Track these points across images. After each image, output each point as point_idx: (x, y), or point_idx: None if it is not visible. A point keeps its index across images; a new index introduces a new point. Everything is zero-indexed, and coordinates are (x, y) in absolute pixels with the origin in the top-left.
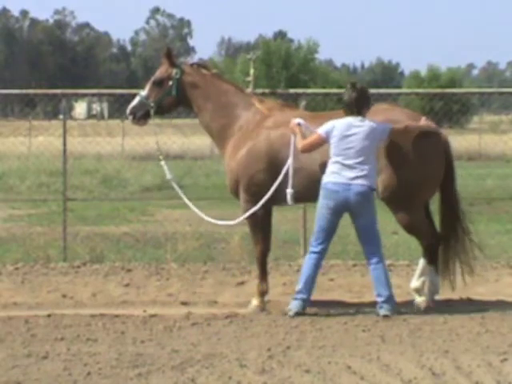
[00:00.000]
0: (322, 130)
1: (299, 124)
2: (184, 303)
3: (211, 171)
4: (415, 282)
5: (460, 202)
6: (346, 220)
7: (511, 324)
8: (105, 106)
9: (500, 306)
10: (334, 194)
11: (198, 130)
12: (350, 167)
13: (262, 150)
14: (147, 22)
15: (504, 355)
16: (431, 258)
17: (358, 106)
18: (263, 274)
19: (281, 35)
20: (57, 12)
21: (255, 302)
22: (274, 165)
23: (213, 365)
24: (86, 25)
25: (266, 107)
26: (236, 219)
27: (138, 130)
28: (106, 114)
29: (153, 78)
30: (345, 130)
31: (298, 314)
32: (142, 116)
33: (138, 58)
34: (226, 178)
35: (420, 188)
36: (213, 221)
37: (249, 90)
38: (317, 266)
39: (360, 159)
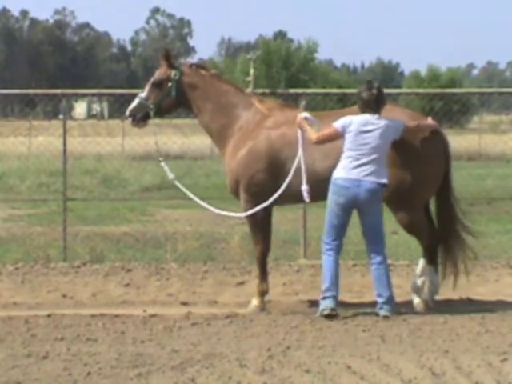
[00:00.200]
0: (338, 124)
1: (306, 118)
2: (184, 303)
3: (211, 171)
4: (415, 283)
5: (458, 202)
6: None
7: (511, 324)
8: (105, 105)
9: (500, 305)
10: (344, 190)
11: (198, 130)
12: (362, 163)
13: (262, 150)
14: (147, 22)
15: (504, 355)
16: (431, 257)
17: (377, 103)
18: (263, 274)
19: (281, 35)
20: (57, 12)
21: (255, 301)
22: (274, 165)
23: (213, 365)
24: (86, 25)
25: (266, 107)
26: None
27: (137, 130)
28: (106, 113)
29: (152, 80)
30: (362, 126)
31: (333, 310)
32: (141, 118)
33: (138, 58)
34: (226, 178)
35: (420, 188)
36: (222, 212)
37: (249, 90)
38: (336, 262)
39: (374, 156)
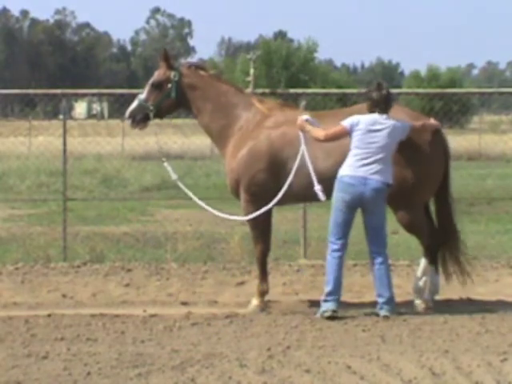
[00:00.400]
0: (346, 123)
1: (307, 120)
2: (184, 303)
3: (211, 171)
4: (417, 283)
5: (454, 202)
6: None
7: (511, 324)
8: (105, 105)
9: (500, 305)
10: (350, 188)
11: (198, 129)
12: (369, 162)
13: (262, 150)
14: (147, 22)
15: (504, 355)
16: (432, 257)
17: (386, 104)
18: (263, 274)
19: (281, 35)
20: (57, 12)
21: (255, 301)
22: (275, 164)
23: (213, 365)
24: (87, 25)
25: (266, 107)
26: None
27: (138, 130)
28: (106, 113)
29: (151, 81)
30: (370, 125)
31: (334, 312)
32: (141, 119)
33: (138, 57)
34: (226, 178)
35: (420, 187)
36: (224, 215)
37: (249, 90)
38: (341, 265)
39: (381, 155)
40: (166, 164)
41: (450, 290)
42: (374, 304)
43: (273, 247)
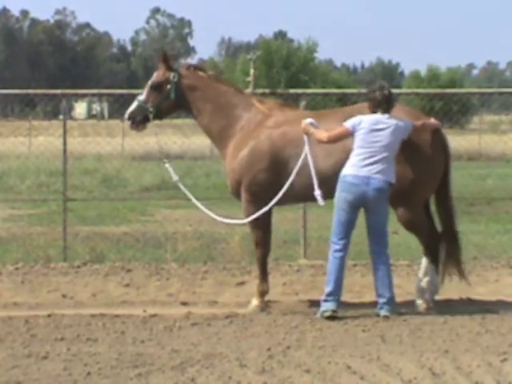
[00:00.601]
0: (348, 124)
1: (311, 124)
2: (184, 303)
3: (211, 171)
4: (420, 284)
5: (454, 201)
6: None
7: (511, 324)
8: (105, 106)
9: (500, 305)
10: (353, 188)
11: (198, 130)
12: (372, 161)
13: (264, 149)
14: (147, 22)
15: (504, 355)
16: (432, 257)
17: (388, 104)
18: (263, 274)
19: (281, 35)
20: (57, 12)
21: (255, 301)
22: (276, 163)
23: (213, 365)
24: (87, 25)
25: (266, 107)
26: (237, 218)
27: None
28: (106, 114)
29: (150, 83)
30: (373, 125)
31: (334, 311)
32: (140, 121)
33: (138, 57)
34: (226, 178)
35: (420, 186)
36: (224, 220)
37: (249, 90)
38: (342, 266)
39: (384, 154)
40: (167, 165)
41: (450, 290)
42: (374, 304)
43: (273, 247)
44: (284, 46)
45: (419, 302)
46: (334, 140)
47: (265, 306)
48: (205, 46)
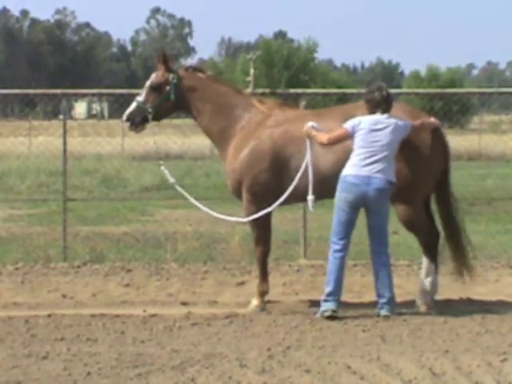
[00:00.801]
0: (347, 125)
1: (313, 127)
2: (184, 303)
3: (211, 171)
4: (423, 285)
5: (456, 201)
6: None
7: (511, 324)
8: (105, 105)
9: (500, 305)
10: (353, 188)
11: (198, 129)
12: (373, 161)
13: (265, 149)
14: (147, 22)
15: (504, 355)
16: (432, 256)
17: (387, 104)
18: (264, 274)
19: (281, 35)
20: (57, 12)
21: (255, 301)
22: (278, 162)
23: (213, 365)
24: (87, 25)
25: (266, 107)
26: (238, 217)
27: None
28: (106, 113)
29: (149, 84)
30: (372, 125)
31: (334, 311)
32: (139, 122)
33: (138, 57)
34: (227, 178)
35: (419, 184)
36: (226, 217)
37: (249, 90)
38: (342, 266)
39: (384, 153)
40: (163, 168)
41: (450, 290)
42: (374, 304)
43: (273, 247)
44: (284, 46)
45: (420, 302)
46: (334, 142)
47: (265, 306)
48: (205, 46)
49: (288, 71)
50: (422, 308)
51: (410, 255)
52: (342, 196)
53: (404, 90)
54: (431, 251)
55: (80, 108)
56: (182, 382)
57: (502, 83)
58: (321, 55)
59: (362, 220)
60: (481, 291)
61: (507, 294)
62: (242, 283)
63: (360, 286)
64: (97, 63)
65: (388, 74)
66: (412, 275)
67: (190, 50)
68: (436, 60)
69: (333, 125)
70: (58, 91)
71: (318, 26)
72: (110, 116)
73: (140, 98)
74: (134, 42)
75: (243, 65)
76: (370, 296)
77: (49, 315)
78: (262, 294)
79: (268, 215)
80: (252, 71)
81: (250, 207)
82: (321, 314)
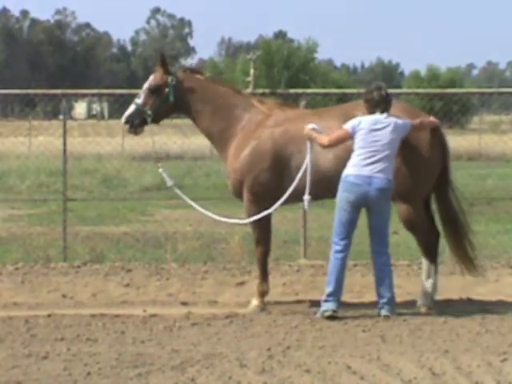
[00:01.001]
0: (347, 126)
1: (314, 129)
2: (184, 303)
3: (211, 171)
4: (425, 286)
5: (458, 201)
6: None
7: (511, 324)
8: (105, 105)
9: (500, 305)
10: (354, 188)
11: (198, 130)
12: (374, 161)
13: (266, 148)
14: (148, 22)
15: (504, 355)
16: (432, 256)
17: (387, 103)
18: (264, 275)
19: (281, 35)
20: (57, 12)
21: (255, 302)
22: (278, 161)
23: (213, 365)
24: (87, 25)
25: (265, 107)
26: (238, 218)
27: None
28: (106, 113)
29: (147, 86)
30: (372, 125)
31: (334, 311)
32: (138, 124)
33: (138, 58)
34: (227, 179)
35: (418, 183)
36: (225, 220)
37: (249, 90)
38: (343, 266)
39: (385, 153)
40: (160, 170)
41: (450, 290)
42: (374, 304)
43: (273, 247)
44: (284, 46)
45: (421, 302)
46: (334, 144)
47: (265, 306)
48: (205, 46)
49: (288, 71)
50: (423, 309)
51: (409, 255)
52: (343, 196)
53: (404, 90)
54: (431, 252)
55: (80, 108)
56: (182, 381)
57: (502, 83)
58: (321, 55)
59: (362, 220)
60: (481, 291)
61: (507, 294)
62: (242, 283)
63: (360, 285)
64: (97, 63)
65: (388, 74)
66: (412, 275)
67: (190, 50)
68: (436, 60)
69: (332, 124)
70: (58, 91)
71: (317, 26)
72: (110, 116)
73: (139, 101)
74: (134, 42)
75: (243, 65)
76: (370, 296)
77: (49, 315)
78: (262, 294)
79: (268, 215)
80: (252, 71)
81: (250, 207)
82: (321, 314)
